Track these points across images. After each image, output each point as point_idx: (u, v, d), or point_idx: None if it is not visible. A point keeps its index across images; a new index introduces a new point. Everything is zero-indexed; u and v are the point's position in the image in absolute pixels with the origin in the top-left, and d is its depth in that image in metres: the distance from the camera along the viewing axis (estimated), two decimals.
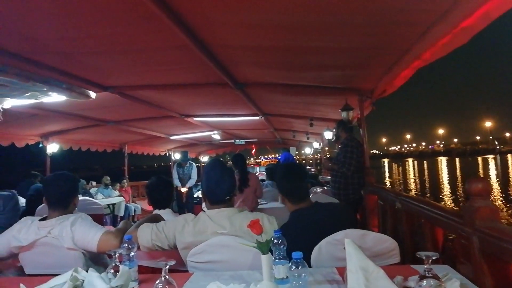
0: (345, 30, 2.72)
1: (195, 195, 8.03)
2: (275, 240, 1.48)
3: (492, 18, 1.85)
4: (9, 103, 3.72)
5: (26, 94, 3.43)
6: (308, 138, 11.09)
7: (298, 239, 1.76)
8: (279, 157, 10.72)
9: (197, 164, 12.61)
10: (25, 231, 2.05)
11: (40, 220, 2.11)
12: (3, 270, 2.30)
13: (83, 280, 1.43)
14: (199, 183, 7.60)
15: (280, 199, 2.16)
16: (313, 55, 3.41)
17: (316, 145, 12.15)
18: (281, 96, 5.56)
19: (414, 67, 3.06)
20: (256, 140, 13.47)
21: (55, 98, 3.76)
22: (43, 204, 3.05)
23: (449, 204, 17.27)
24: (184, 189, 7.76)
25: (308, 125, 7.72)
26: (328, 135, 8.01)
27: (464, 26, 2.08)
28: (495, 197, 18.12)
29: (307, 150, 16.03)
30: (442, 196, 20.65)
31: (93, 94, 4.15)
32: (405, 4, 2.21)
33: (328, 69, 3.89)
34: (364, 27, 2.61)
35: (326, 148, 11.93)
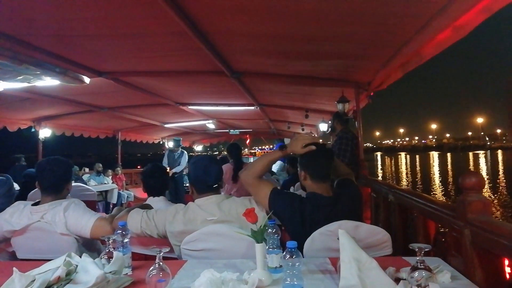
0: (344, 20, 2.70)
1: (186, 184, 7.95)
2: (269, 230, 1.49)
3: (492, 11, 1.84)
4: (1, 86, 3.67)
5: (19, 77, 3.39)
6: (303, 129, 11.10)
7: (302, 224, 1.79)
8: (274, 149, 10.74)
9: (191, 153, 12.57)
10: (17, 216, 2.04)
11: (33, 205, 2.09)
12: None
13: (77, 265, 1.42)
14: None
15: (301, 177, 2.07)
16: (311, 44, 3.39)
17: None
18: (278, 86, 5.54)
19: (413, 62, 3.04)
20: (251, 130, 13.46)
21: (48, 82, 3.71)
22: (35, 189, 3.02)
23: (440, 197, 17.50)
24: (168, 170, 7.72)
25: (303, 116, 7.72)
26: (323, 127, 8.02)
27: (464, 19, 2.08)
28: (484, 192, 18.37)
29: None
30: (433, 189, 20.90)
31: (87, 79, 4.10)
32: None
33: (326, 59, 3.87)
34: (363, 18, 2.60)
35: (321, 140, 11.95)
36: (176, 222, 1.89)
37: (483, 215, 1.54)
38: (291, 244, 1.29)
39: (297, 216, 1.87)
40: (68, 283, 1.35)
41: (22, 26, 2.87)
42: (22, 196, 3.37)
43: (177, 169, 7.69)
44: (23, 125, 7.19)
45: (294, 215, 1.88)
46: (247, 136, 15.58)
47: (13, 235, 2.05)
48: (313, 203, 1.92)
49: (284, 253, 1.30)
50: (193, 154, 13.80)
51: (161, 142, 12.93)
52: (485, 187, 19.69)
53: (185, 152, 8.16)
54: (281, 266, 1.43)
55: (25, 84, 3.70)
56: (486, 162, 49.96)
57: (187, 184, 7.91)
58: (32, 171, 3.94)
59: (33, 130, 7.36)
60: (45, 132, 7.51)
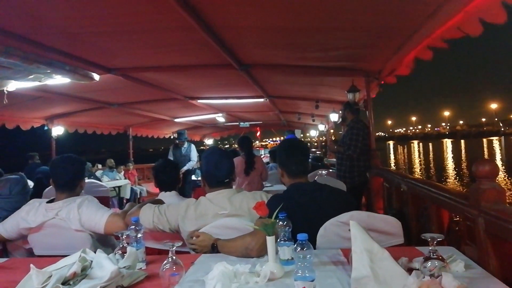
0: (352, 9, 2.66)
1: (198, 178, 7.37)
2: (280, 222, 1.49)
3: None
4: (13, 85, 3.73)
5: (30, 77, 3.43)
6: (313, 120, 11.04)
7: (294, 212, 1.67)
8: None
9: (201, 147, 12.59)
10: (33, 213, 2.08)
11: (48, 202, 2.13)
12: (12, 252, 2.35)
13: (92, 261, 1.45)
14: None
15: (279, 174, 2.07)
16: (320, 34, 3.36)
17: (321, 127, 12.11)
18: (287, 77, 5.51)
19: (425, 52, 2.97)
20: (261, 122, 13.46)
21: (59, 80, 3.76)
22: (50, 187, 3.08)
23: (454, 185, 17.27)
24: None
25: (313, 107, 7.67)
26: (334, 117, 7.96)
27: (476, 4, 2.02)
28: (499, 179, 18.04)
29: (313, 133, 15.99)
30: (447, 177, 20.65)
31: (96, 76, 4.13)
32: None
33: (335, 49, 3.83)
34: (372, 6, 2.56)
35: (332, 131, 11.89)
36: (188, 218, 1.91)
37: (497, 203, 1.52)
38: (302, 236, 1.29)
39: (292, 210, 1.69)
40: (83, 278, 1.37)
41: (31, 25, 2.89)
42: (36, 193, 3.43)
43: (189, 165, 7.07)
44: (36, 124, 7.29)
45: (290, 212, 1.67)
46: (257, 128, 15.60)
47: (29, 232, 2.09)
48: (297, 190, 1.90)
49: (295, 245, 1.30)
50: (203, 147, 13.85)
51: (172, 137, 13.00)
52: (500, 173, 19.37)
53: (193, 144, 7.45)
54: (292, 258, 1.43)
55: (36, 83, 3.75)
56: (501, 148, 49.12)
57: (199, 178, 7.88)
58: (46, 169, 4.02)
59: (46, 128, 7.46)
60: (57, 130, 7.61)
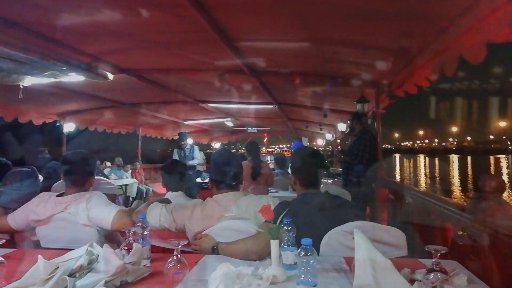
0: (364, 23, 2.68)
1: (204, 180, 7.30)
2: (285, 227, 1.51)
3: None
4: (29, 81, 3.80)
5: (46, 73, 3.49)
6: (321, 129, 11.03)
7: (301, 221, 1.69)
8: (292, 147, 10.68)
9: (208, 150, 12.59)
10: (42, 206, 2.12)
11: (57, 196, 2.17)
12: (19, 243, 2.38)
13: (98, 255, 1.48)
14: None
15: (291, 182, 2.08)
16: (331, 44, 3.38)
17: (328, 136, 12.07)
18: (297, 85, 5.53)
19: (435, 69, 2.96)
20: (269, 129, 13.45)
21: (73, 78, 3.82)
22: (59, 181, 3.13)
23: (459, 201, 17.06)
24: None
25: (321, 116, 7.68)
26: (342, 127, 7.94)
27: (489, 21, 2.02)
28: (506, 197, 17.73)
29: (320, 141, 15.95)
30: (452, 192, 20.41)
31: (110, 76, 4.19)
32: None
33: (346, 60, 3.85)
34: (384, 20, 2.57)
35: (338, 141, 11.85)
36: (194, 218, 1.93)
37: (503, 219, 1.52)
38: (306, 241, 1.30)
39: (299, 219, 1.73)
40: (89, 271, 1.40)
41: (50, 23, 2.96)
42: (45, 187, 3.47)
43: (193, 162, 7.15)
44: (49, 119, 7.38)
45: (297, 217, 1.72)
46: (265, 134, 15.59)
47: (38, 224, 2.13)
48: (307, 201, 1.90)
49: (299, 250, 1.31)
50: (210, 151, 13.88)
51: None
52: (507, 191, 19.06)
53: (195, 146, 7.51)
54: (295, 263, 1.44)
55: (51, 80, 3.82)
56: (508, 165, 48.57)
57: (205, 181, 7.88)
58: (55, 164, 4.07)
59: (58, 124, 7.55)
60: (69, 126, 7.69)
